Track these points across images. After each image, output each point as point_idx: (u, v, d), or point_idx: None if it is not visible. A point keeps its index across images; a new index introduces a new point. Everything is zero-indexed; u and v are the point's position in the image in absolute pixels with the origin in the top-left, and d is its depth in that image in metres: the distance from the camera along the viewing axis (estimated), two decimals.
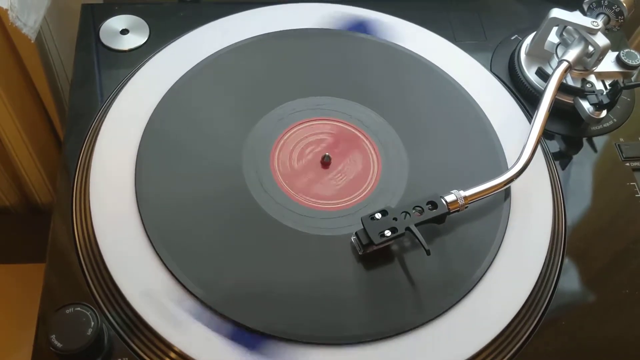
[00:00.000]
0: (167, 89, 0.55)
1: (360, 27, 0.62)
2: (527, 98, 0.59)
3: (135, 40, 0.59)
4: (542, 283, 0.49)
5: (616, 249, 0.52)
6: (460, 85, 0.58)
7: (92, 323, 0.40)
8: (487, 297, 0.47)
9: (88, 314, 0.41)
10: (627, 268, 0.51)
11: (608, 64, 0.58)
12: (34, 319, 0.45)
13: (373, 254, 0.48)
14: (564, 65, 0.55)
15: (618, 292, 0.50)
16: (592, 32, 0.55)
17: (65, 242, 0.48)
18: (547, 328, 0.47)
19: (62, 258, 0.47)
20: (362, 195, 0.51)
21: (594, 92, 0.56)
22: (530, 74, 0.59)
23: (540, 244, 0.50)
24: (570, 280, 0.50)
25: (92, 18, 0.61)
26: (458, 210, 0.49)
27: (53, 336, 0.40)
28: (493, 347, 0.45)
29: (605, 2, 0.57)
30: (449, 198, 0.48)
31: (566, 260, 0.51)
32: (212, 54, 0.58)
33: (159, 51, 0.58)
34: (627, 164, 0.56)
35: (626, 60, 0.58)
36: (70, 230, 0.48)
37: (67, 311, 0.41)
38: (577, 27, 0.56)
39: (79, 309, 0.41)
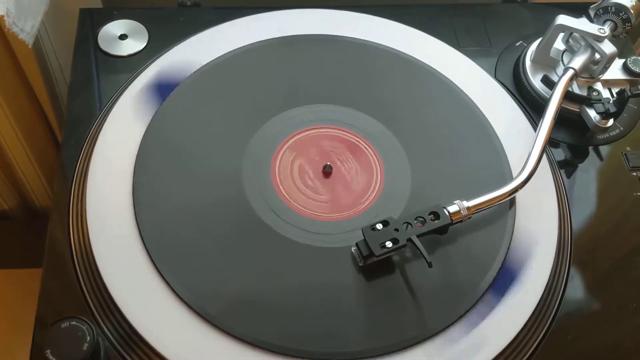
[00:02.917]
0: (167, 96, 0.54)
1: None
2: (532, 106, 0.58)
3: (134, 45, 0.59)
4: (549, 294, 0.48)
5: (623, 259, 0.51)
6: (464, 93, 0.57)
7: (88, 337, 0.40)
8: (493, 309, 0.46)
9: (84, 328, 0.40)
10: (634, 279, 0.50)
11: (615, 71, 0.57)
12: (32, 324, 0.44)
13: (374, 265, 0.47)
14: (570, 72, 0.54)
15: (625, 304, 0.49)
16: (599, 39, 0.54)
17: (63, 250, 0.47)
18: (554, 340, 0.47)
19: (59, 266, 0.47)
20: (363, 205, 0.51)
21: (600, 100, 0.55)
22: (536, 81, 0.58)
23: (546, 255, 0.49)
24: (577, 291, 0.49)
25: (91, 23, 0.60)
26: (461, 221, 0.48)
27: (48, 351, 0.39)
28: None
29: (612, 8, 0.56)
30: (452, 209, 0.48)
31: (572, 271, 0.50)
32: (212, 60, 0.57)
33: (158, 57, 0.57)
34: (634, 174, 0.55)
35: (633, 68, 0.57)
36: (67, 238, 0.48)
37: (63, 325, 0.40)
38: (584, 34, 0.55)
39: (74, 322, 0.40)
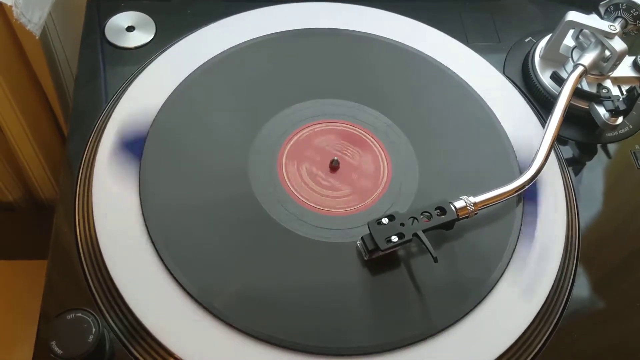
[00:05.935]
0: (173, 89, 0.54)
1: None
2: (540, 102, 0.58)
3: (141, 37, 0.58)
4: (556, 292, 0.48)
5: (630, 257, 0.51)
6: (472, 88, 0.57)
7: (94, 329, 0.39)
8: (499, 306, 0.46)
9: (89, 320, 0.40)
10: None
11: (625, 69, 0.57)
12: (37, 315, 0.44)
13: (379, 259, 0.47)
14: (580, 69, 0.54)
15: (632, 303, 0.49)
16: (610, 36, 0.54)
17: (68, 242, 0.47)
18: (560, 338, 0.46)
19: (65, 258, 0.47)
20: (370, 200, 0.50)
21: (609, 97, 0.55)
22: (545, 78, 0.58)
23: (553, 252, 0.49)
24: (584, 289, 0.49)
25: (98, 14, 0.60)
26: (467, 217, 0.48)
27: (53, 342, 0.39)
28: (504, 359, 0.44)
29: (623, 5, 0.55)
30: (458, 204, 0.47)
31: (579, 268, 0.50)
32: (219, 54, 0.57)
33: (165, 49, 0.57)
34: None
35: None
36: (73, 231, 0.48)
37: (68, 317, 0.40)
38: (594, 31, 0.55)
39: (80, 314, 0.40)
